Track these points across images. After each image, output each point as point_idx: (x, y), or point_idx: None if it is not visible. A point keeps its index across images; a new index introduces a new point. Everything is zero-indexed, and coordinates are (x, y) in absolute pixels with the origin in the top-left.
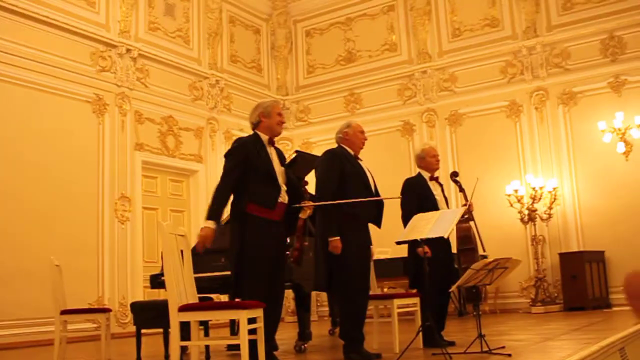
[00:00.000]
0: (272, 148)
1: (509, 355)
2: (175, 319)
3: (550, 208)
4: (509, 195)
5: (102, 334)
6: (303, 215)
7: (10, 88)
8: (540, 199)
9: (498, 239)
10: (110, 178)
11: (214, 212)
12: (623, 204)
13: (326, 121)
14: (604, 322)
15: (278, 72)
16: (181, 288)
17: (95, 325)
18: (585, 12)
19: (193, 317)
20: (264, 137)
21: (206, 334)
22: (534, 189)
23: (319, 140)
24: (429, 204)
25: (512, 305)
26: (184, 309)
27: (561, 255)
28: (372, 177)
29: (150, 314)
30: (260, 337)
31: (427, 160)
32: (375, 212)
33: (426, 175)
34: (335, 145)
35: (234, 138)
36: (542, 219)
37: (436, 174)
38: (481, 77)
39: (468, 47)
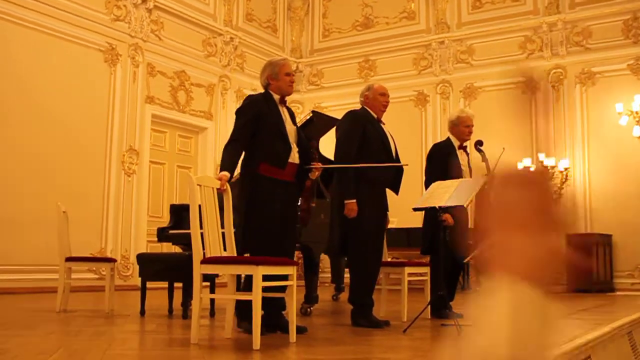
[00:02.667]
0: (284, 107)
1: None
2: (198, 271)
3: (560, 188)
4: None
5: (106, 284)
6: (312, 176)
7: (23, 31)
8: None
9: None
10: (119, 129)
11: (226, 165)
12: (634, 189)
13: (339, 86)
14: (609, 305)
15: (293, 34)
16: (213, 241)
17: (96, 276)
18: None
19: (215, 270)
20: (276, 97)
21: (212, 291)
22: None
23: (331, 105)
24: (454, 172)
25: None
26: (206, 261)
27: (568, 236)
28: (394, 142)
29: (156, 267)
30: (291, 296)
31: (460, 128)
32: (393, 177)
33: (455, 142)
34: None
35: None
36: None
37: (465, 144)
38: (499, 51)
39: (488, 19)
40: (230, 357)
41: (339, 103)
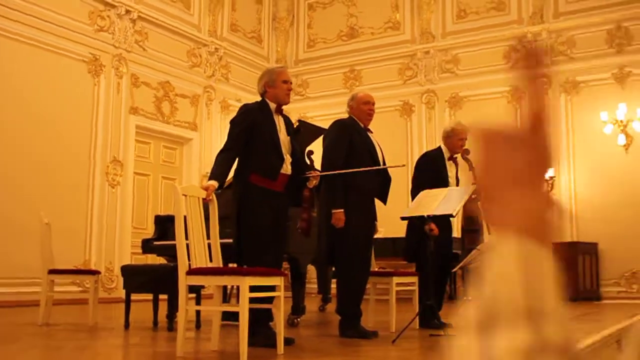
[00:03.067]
0: (280, 116)
1: None
2: (183, 282)
3: None
4: None
5: (90, 297)
6: (309, 184)
7: (5, 42)
8: None
9: None
10: (103, 140)
11: (216, 174)
12: (619, 197)
13: (324, 96)
14: (596, 313)
15: (278, 45)
16: (199, 251)
17: (80, 288)
18: (593, 1)
19: (201, 281)
20: (272, 105)
21: (198, 303)
22: None
23: (316, 115)
24: (442, 183)
25: None
26: (191, 272)
27: (554, 245)
28: (382, 151)
29: (141, 279)
30: (278, 307)
31: (454, 140)
32: (381, 186)
33: (446, 153)
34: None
35: (231, 108)
36: None
37: (455, 155)
38: (484, 60)
39: (473, 29)
40: None
41: (324, 113)
